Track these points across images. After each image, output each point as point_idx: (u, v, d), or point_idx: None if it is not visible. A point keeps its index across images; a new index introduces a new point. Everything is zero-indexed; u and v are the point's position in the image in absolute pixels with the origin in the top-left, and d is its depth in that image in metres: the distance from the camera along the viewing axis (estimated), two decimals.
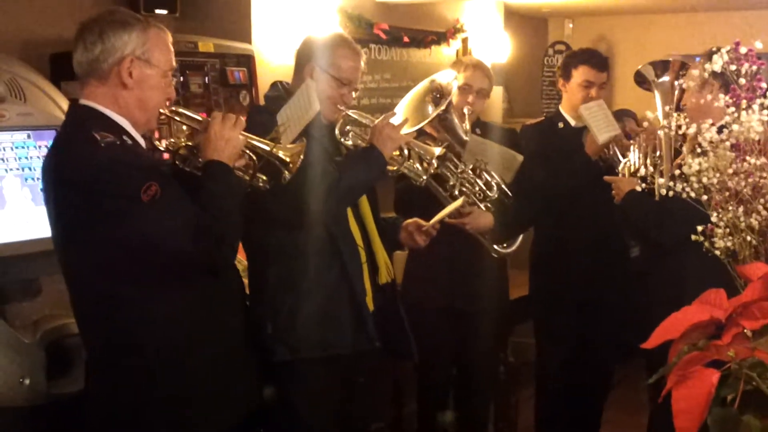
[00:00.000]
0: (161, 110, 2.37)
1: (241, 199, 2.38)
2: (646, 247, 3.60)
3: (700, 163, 1.80)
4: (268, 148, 2.45)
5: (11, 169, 2.79)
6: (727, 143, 1.78)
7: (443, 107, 3.32)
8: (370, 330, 2.90)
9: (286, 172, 2.47)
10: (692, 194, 1.85)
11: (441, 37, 5.10)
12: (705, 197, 1.84)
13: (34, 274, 2.80)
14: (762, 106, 1.83)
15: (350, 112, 2.95)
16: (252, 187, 2.49)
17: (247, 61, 3.79)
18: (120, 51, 2.25)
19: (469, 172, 3.43)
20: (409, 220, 3.24)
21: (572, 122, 3.90)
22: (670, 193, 1.90)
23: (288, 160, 2.45)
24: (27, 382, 2.62)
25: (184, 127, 2.46)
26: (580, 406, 4.10)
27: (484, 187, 3.46)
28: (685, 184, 1.84)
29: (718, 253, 1.83)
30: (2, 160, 2.79)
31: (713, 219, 1.85)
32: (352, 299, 2.88)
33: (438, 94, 3.43)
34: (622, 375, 4.71)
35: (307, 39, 2.99)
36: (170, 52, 2.36)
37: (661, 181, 1.99)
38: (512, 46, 5.87)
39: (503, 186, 3.46)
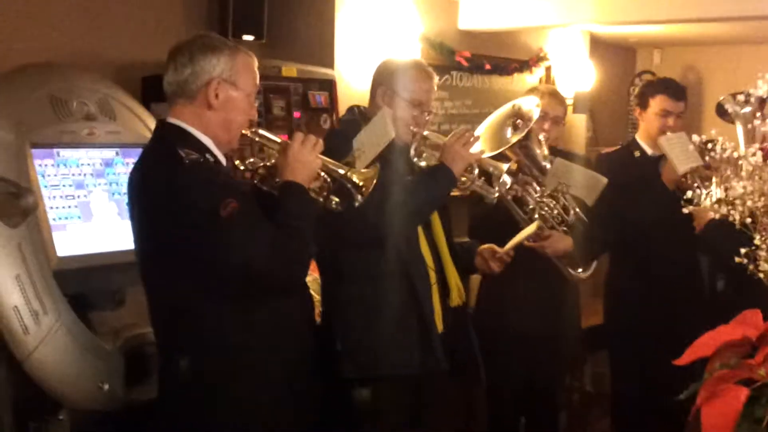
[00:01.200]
0: (243, 131, 2.44)
1: (314, 220, 2.43)
2: (731, 278, 3.54)
3: (744, 187, 1.81)
4: (342, 172, 2.51)
5: (99, 184, 2.94)
6: None
7: (524, 133, 3.35)
8: (438, 351, 2.92)
9: (359, 196, 2.53)
10: (737, 216, 1.85)
11: (524, 65, 5.13)
12: (749, 220, 1.85)
13: (119, 284, 2.92)
14: None
15: (425, 133, 3.01)
16: (325, 208, 2.55)
17: (329, 85, 3.89)
18: (208, 73, 2.34)
19: (547, 196, 3.46)
20: (484, 246, 3.27)
21: (649, 151, 3.87)
22: (717, 216, 1.90)
23: (361, 184, 2.50)
24: (106, 387, 2.73)
25: (265, 149, 2.53)
26: None
27: (562, 211, 3.48)
28: (730, 207, 1.85)
29: (762, 276, 1.83)
30: (91, 175, 2.94)
31: (756, 242, 1.84)
32: (420, 320, 2.91)
33: (518, 119, 3.46)
34: None
35: (381, 63, 3.07)
36: (255, 76, 2.44)
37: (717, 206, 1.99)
38: (599, 75, 5.85)
39: (579, 211, 3.47)
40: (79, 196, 2.89)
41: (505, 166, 3.10)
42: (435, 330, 2.95)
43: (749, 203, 1.82)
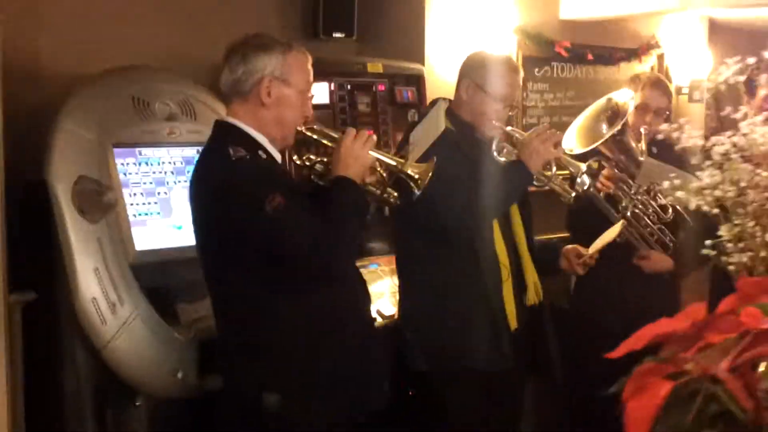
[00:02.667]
0: (298, 127, 2.50)
1: (363, 214, 2.48)
2: None
3: (713, 176, 1.72)
4: (395, 165, 2.54)
5: (179, 182, 3.06)
6: (735, 156, 1.69)
7: (617, 128, 3.27)
8: (506, 349, 2.91)
9: (416, 189, 2.53)
10: (705, 207, 1.77)
11: (631, 54, 4.95)
12: (716, 210, 1.76)
13: (197, 277, 3.02)
14: None
15: (507, 129, 2.97)
16: (382, 202, 2.59)
17: (416, 80, 3.88)
18: (260, 72, 2.41)
19: (642, 194, 3.34)
20: (569, 247, 3.22)
21: None
22: None
23: (417, 176, 2.52)
24: (180, 375, 2.84)
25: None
26: None
27: (658, 210, 3.36)
28: (699, 198, 1.77)
29: (732, 268, 1.74)
30: (172, 173, 3.06)
31: (722, 232, 1.76)
32: (489, 316, 2.90)
33: (613, 113, 3.38)
34: None
35: (468, 56, 3.06)
36: (308, 73, 2.50)
37: None
38: (720, 62, 5.57)
39: (681, 210, 3.32)
40: (159, 193, 3.01)
41: (584, 166, 3.02)
42: (505, 328, 2.93)
43: (717, 193, 1.74)
